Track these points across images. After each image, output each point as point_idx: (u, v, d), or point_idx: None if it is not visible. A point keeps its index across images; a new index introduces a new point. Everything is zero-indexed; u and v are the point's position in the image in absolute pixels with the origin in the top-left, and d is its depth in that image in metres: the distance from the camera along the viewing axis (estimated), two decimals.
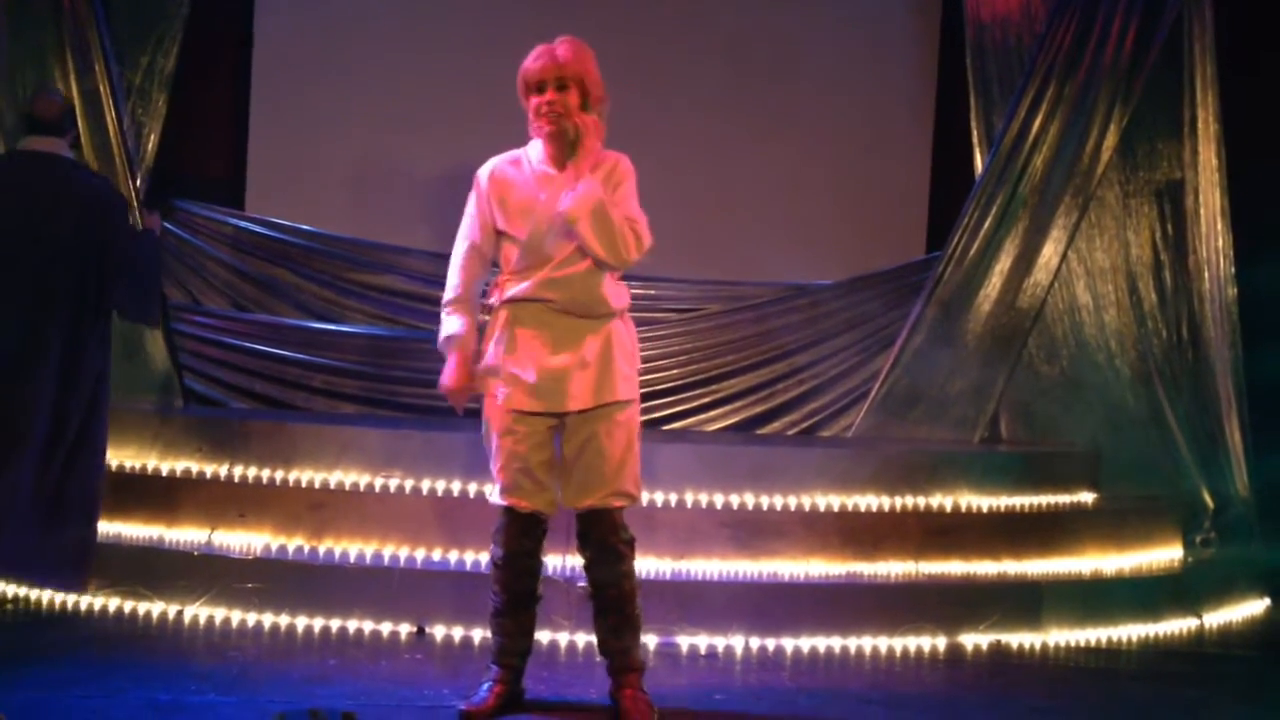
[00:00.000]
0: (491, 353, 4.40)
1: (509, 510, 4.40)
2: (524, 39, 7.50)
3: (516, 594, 4.44)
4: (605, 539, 4.39)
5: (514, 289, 4.36)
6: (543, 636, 5.13)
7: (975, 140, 7.51)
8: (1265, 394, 7.45)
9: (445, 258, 7.37)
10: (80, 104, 6.66)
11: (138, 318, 5.50)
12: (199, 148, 7.60)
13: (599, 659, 4.59)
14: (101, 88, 6.76)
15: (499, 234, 4.42)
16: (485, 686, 4.44)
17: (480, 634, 5.38)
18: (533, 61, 4.33)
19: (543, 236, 4.30)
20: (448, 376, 4.44)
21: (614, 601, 4.42)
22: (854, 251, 7.75)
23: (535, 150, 4.42)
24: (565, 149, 4.32)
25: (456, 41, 7.74)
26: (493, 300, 4.43)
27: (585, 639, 5.31)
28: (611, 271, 4.36)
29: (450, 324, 4.44)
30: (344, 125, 7.67)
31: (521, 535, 4.41)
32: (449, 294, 4.46)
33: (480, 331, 4.50)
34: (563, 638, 5.34)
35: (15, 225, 5.19)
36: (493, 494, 4.46)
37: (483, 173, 4.44)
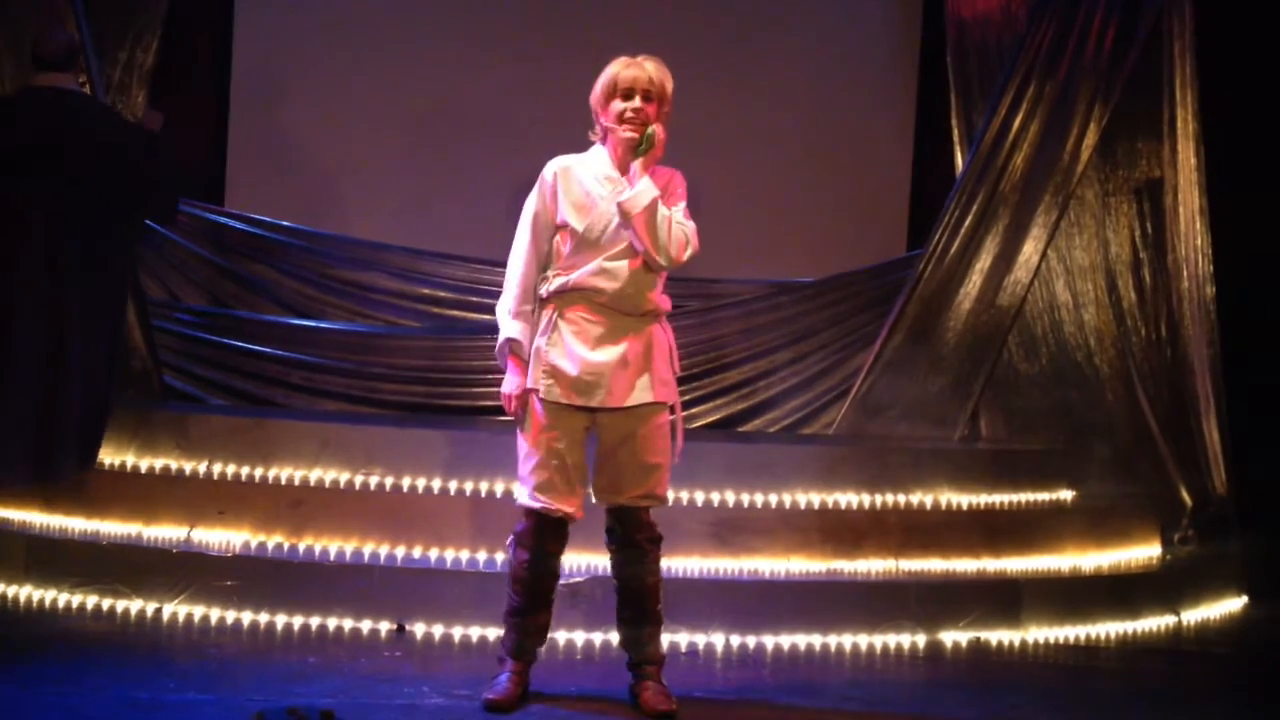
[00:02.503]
0: (534, 345, 4.45)
1: (538, 514, 4.44)
2: (506, 37, 7.52)
3: (537, 595, 4.51)
4: (633, 536, 4.50)
5: (563, 279, 4.43)
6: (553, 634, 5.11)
7: (956, 139, 7.53)
8: (1244, 393, 7.49)
9: (425, 255, 7.53)
10: None
11: (163, 221, 6.49)
12: (178, 142, 7.56)
13: (618, 655, 4.65)
14: (81, 82, 6.72)
15: (557, 228, 4.49)
16: (504, 677, 4.50)
17: (460, 631, 5.38)
18: (625, 69, 4.45)
19: (599, 228, 4.40)
20: (509, 384, 4.48)
21: (637, 596, 4.53)
22: (835, 250, 7.76)
23: (599, 154, 4.53)
24: (632, 155, 4.44)
25: (439, 38, 7.73)
26: (543, 292, 4.48)
27: (584, 637, 5.33)
28: (659, 271, 4.46)
29: (511, 327, 4.47)
30: (324, 121, 7.66)
31: (548, 539, 4.48)
32: (509, 296, 4.49)
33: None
34: (563, 635, 5.33)
35: (30, 154, 5.49)
36: (521, 495, 4.48)
37: (549, 168, 4.54)
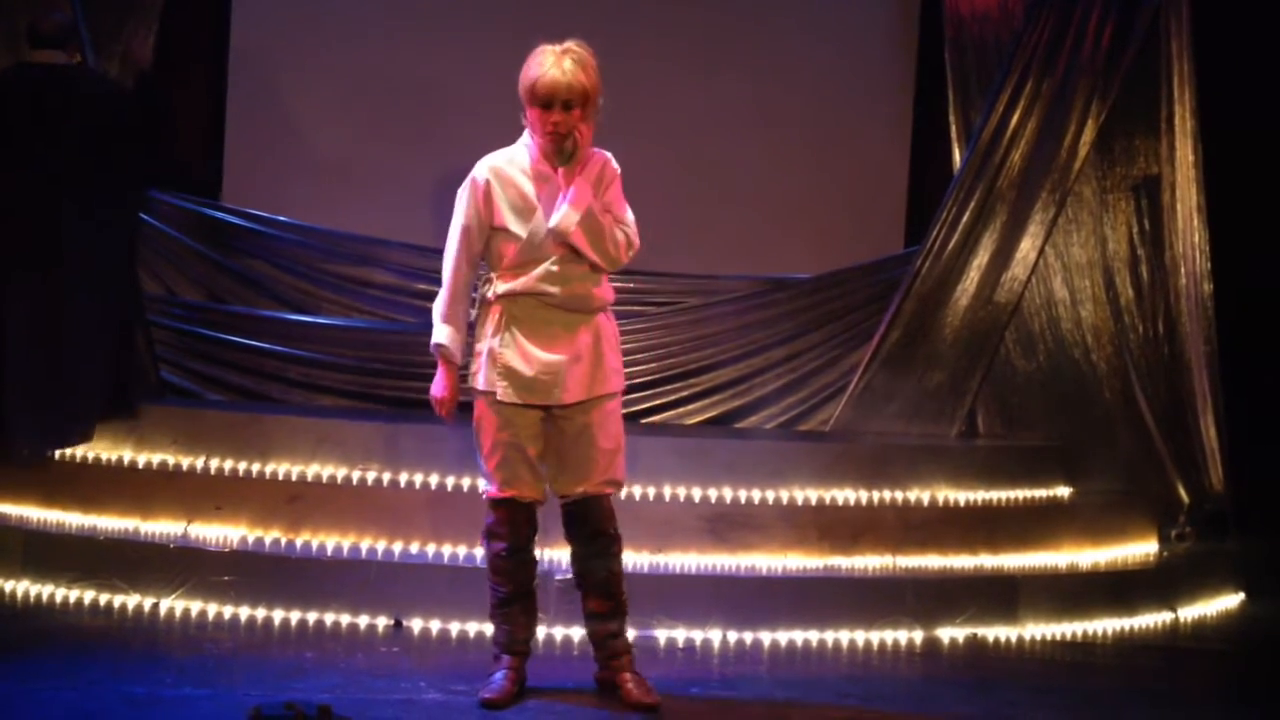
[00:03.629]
0: (486, 347, 4.44)
1: (510, 502, 4.47)
2: (501, 29, 7.51)
3: (520, 583, 4.53)
4: (599, 525, 4.51)
5: (510, 284, 4.42)
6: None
7: (953, 135, 7.51)
8: (1241, 390, 7.50)
9: (423, 250, 7.53)
10: None
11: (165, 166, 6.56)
12: (176, 137, 7.56)
13: (581, 647, 4.71)
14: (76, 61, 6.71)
15: (493, 230, 4.46)
16: (500, 674, 4.49)
17: (458, 627, 5.39)
18: (541, 76, 4.32)
19: (542, 233, 4.38)
20: (438, 387, 4.50)
21: (605, 587, 4.54)
22: (832, 246, 7.75)
23: (528, 148, 4.46)
24: (562, 159, 4.39)
25: (437, 33, 7.72)
26: (488, 294, 4.47)
27: (581, 632, 5.32)
28: (603, 272, 4.47)
29: (440, 331, 4.47)
30: (321, 116, 7.64)
31: (523, 525, 4.51)
32: (443, 300, 4.49)
33: (470, 327, 4.54)
34: (560, 630, 5.34)
35: (26, 130, 5.67)
36: (487, 489, 4.51)
37: (480, 171, 4.48)
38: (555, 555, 5.39)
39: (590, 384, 4.43)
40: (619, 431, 4.52)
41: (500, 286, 4.43)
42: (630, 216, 4.49)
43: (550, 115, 4.32)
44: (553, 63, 4.33)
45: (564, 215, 4.34)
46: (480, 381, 4.45)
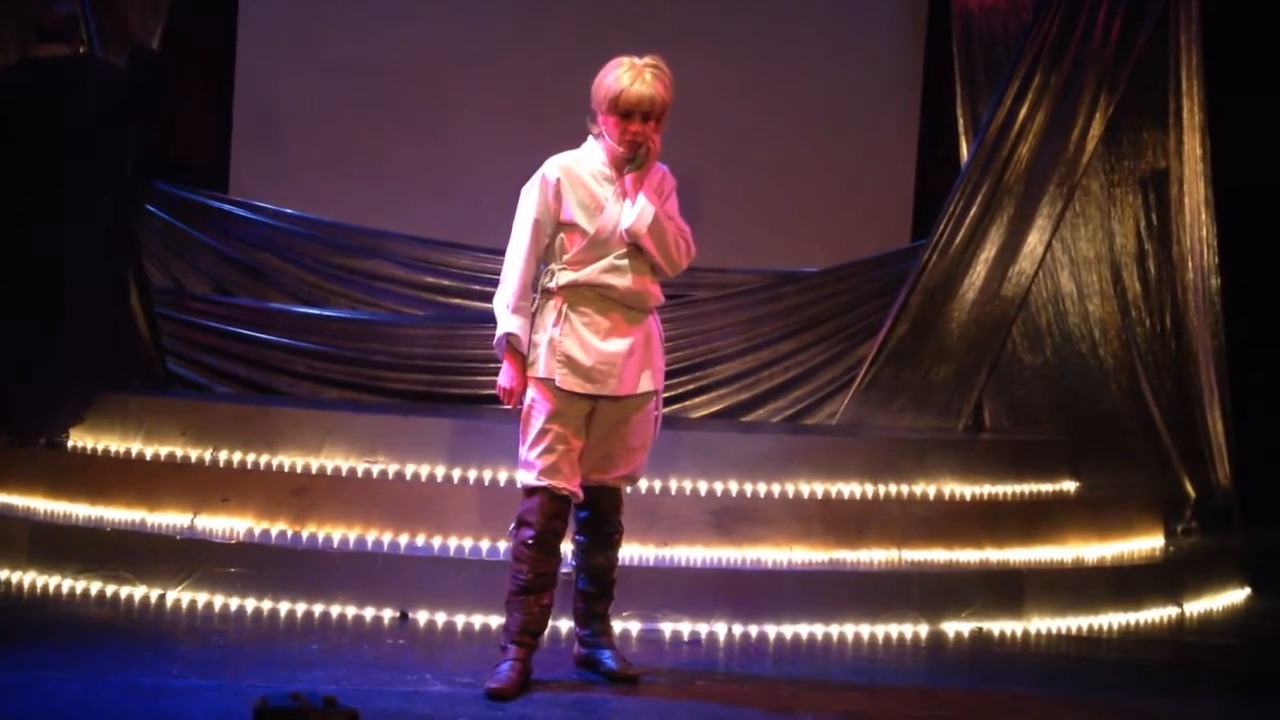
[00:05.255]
0: (546, 337, 4.51)
1: (547, 491, 4.51)
2: (508, 24, 7.51)
3: (542, 574, 4.55)
4: (607, 514, 4.64)
5: (574, 275, 4.51)
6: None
7: (961, 129, 7.51)
8: (1248, 384, 7.49)
9: (430, 243, 7.53)
10: None
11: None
12: (183, 129, 7.57)
13: (568, 634, 4.73)
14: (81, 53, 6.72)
15: (560, 225, 4.55)
16: (506, 665, 4.50)
17: (463, 619, 5.39)
18: (626, 90, 4.46)
19: (609, 229, 4.50)
20: (507, 377, 4.56)
21: (600, 573, 4.69)
22: (839, 240, 7.75)
23: (594, 152, 4.59)
24: (634, 164, 4.53)
25: (443, 24, 7.72)
26: (549, 285, 4.54)
27: (568, 625, 5.31)
28: (665, 276, 4.61)
29: (509, 322, 4.53)
30: (330, 109, 7.65)
31: (555, 516, 4.54)
32: (511, 292, 4.54)
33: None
34: (565, 623, 5.30)
35: (30, 123, 5.82)
36: (527, 477, 4.54)
37: (550, 169, 4.57)
38: (567, 549, 5.39)
39: (641, 379, 4.56)
40: (649, 432, 4.65)
41: (563, 278, 4.52)
42: (686, 225, 4.63)
43: (630, 125, 4.48)
44: (636, 76, 4.48)
45: (639, 215, 4.48)
46: (540, 369, 4.52)
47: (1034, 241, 7.22)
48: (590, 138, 4.61)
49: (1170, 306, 7.40)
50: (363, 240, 7.52)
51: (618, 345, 4.52)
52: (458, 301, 7.44)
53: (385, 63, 7.65)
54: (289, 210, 7.51)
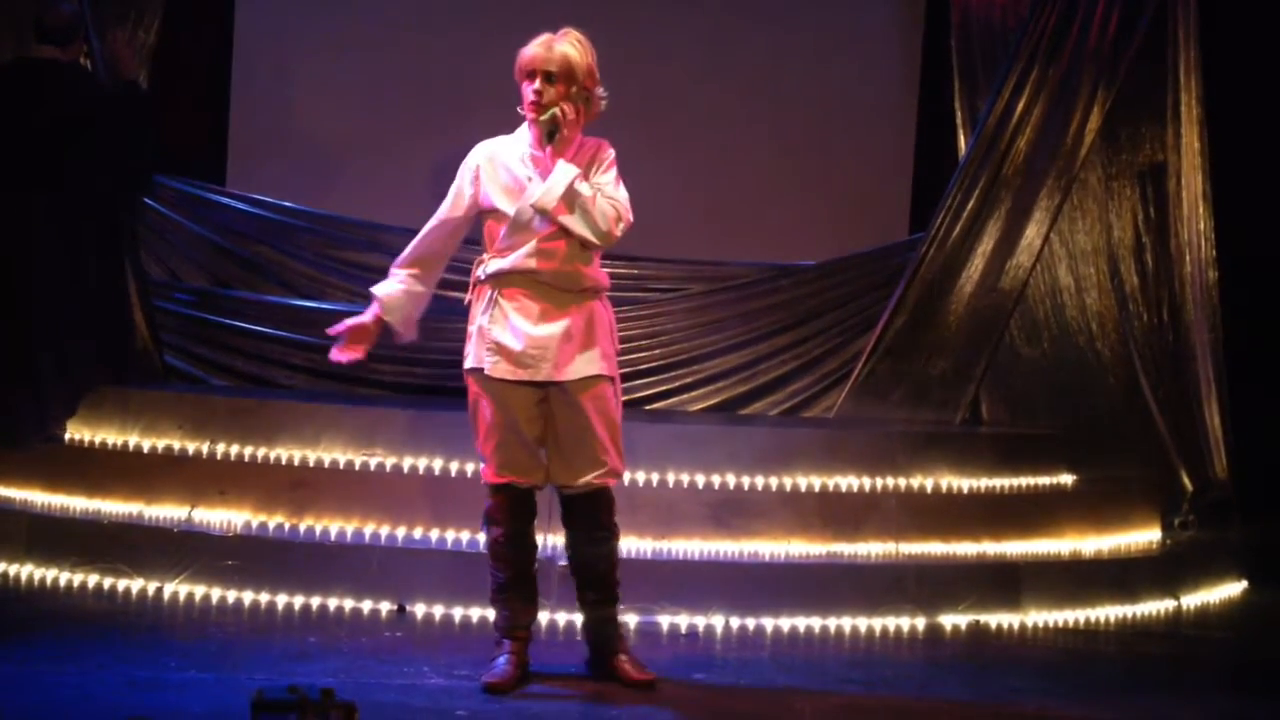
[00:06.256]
0: (476, 326, 4.47)
1: (506, 487, 4.46)
2: (505, 14, 7.51)
3: (519, 568, 4.54)
4: (597, 516, 4.51)
5: (500, 263, 4.45)
6: None
7: (959, 122, 7.51)
8: (1245, 377, 7.49)
9: None
10: None
11: (137, 188, 6.46)
12: (180, 122, 7.56)
13: (580, 636, 4.68)
14: (82, 62, 6.71)
15: (484, 212, 4.51)
16: (502, 659, 4.50)
17: (460, 612, 5.40)
18: (528, 49, 4.46)
19: (529, 214, 4.41)
20: (343, 323, 4.52)
21: (601, 577, 4.55)
22: (837, 233, 7.75)
23: (523, 134, 4.54)
24: (545, 136, 4.44)
25: (442, 17, 7.71)
26: (479, 274, 4.49)
27: (565, 617, 5.32)
28: (594, 249, 4.46)
29: (385, 285, 4.54)
30: (326, 101, 7.64)
31: (519, 511, 4.51)
32: (401, 257, 4.57)
33: (465, 310, 4.56)
34: (563, 616, 5.33)
35: (20, 124, 5.87)
36: (487, 473, 4.51)
37: (474, 152, 4.57)
38: (558, 540, 5.38)
39: (581, 363, 4.41)
40: (615, 419, 4.50)
41: (490, 266, 4.47)
42: (623, 194, 4.47)
43: (532, 84, 4.42)
44: (542, 39, 4.46)
45: (545, 191, 4.37)
46: (470, 359, 4.48)
47: (1032, 234, 7.22)
48: (524, 123, 4.53)
49: (1168, 299, 7.41)
50: (360, 233, 7.51)
51: (550, 329, 4.39)
52: (455, 294, 7.37)
53: (383, 55, 7.64)
54: (286, 203, 7.50)
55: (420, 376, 7.07)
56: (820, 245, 7.64)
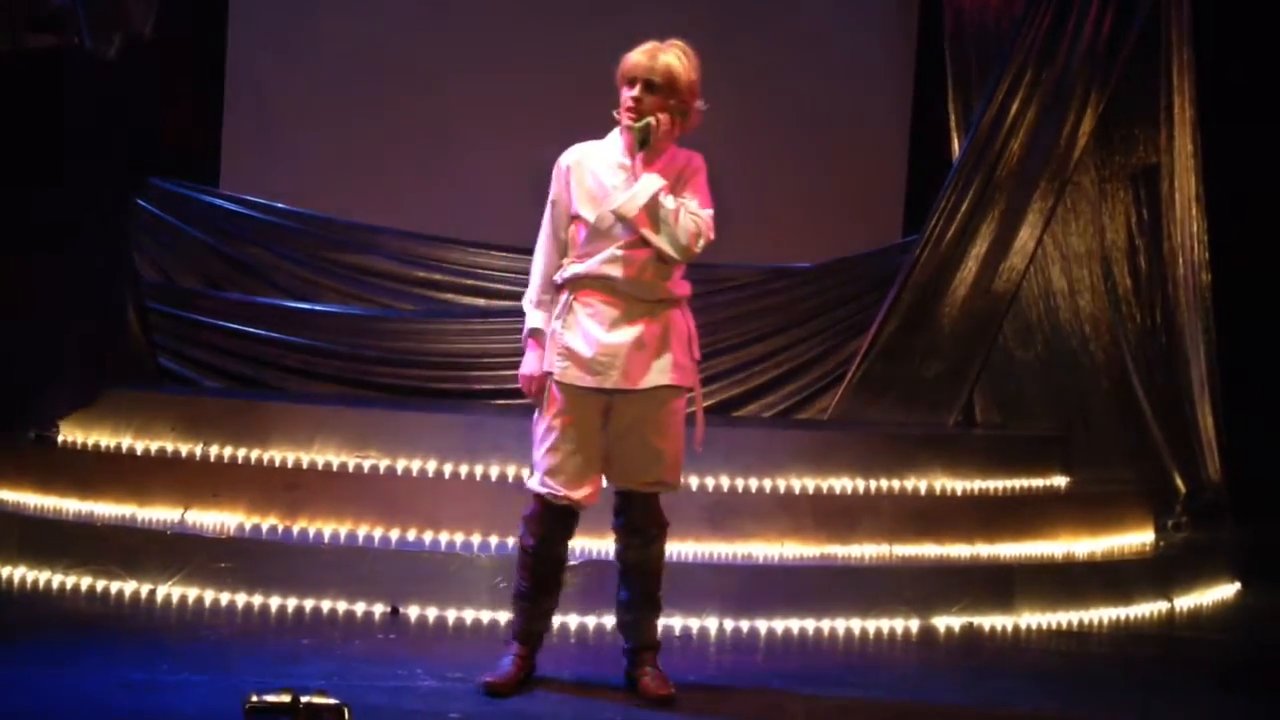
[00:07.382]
0: (549, 330, 4.44)
1: (545, 500, 4.42)
2: (500, 17, 7.48)
3: (541, 580, 4.49)
4: (639, 522, 4.48)
5: (578, 268, 4.41)
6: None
7: (952, 125, 7.52)
8: (1238, 379, 7.50)
9: (421, 238, 7.52)
10: None
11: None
12: (174, 124, 7.56)
13: (613, 639, 4.68)
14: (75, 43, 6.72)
15: (571, 218, 4.46)
16: (507, 660, 4.49)
17: (454, 614, 5.39)
18: (633, 55, 4.41)
19: (609, 220, 4.37)
20: (527, 365, 4.47)
21: (640, 581, 4.51)
22: (831, 235, 7.76)
23: (614, 140, 4.49)
24: (636, 144, 4.39)
25: (435, 19, 7.71)
26: (556, 279, 4.46)
27: (578, 620, 5.33)
28: (671, 263, 4.41)
29: (534, 318, 4.47)
30: (320, 103, 7.65)
31: (553, 525, 4.45)
32: (531, 288, 4.50)
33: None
34: (575, 619, 5.33)
35: (17, 115, 5.85)
36: (532, 480, 4.46)
37: (563, 158, 4.50)
38: (584, 544, 5.39)
39: (652, 374, 4.36)
40: (678, 433, 4.42)
41: (568, 270, 4.42)
42: (708, 210, 4.44)
43: (632, 91, 4.37)
44: (647, 47, 4.42)
45: (628, 198, 4.33)
46: (543, 363, 4.43)
47: (1025, 237, 7.23)
48: (616, 127, 4.48)
49: (1161, 302, 7.42)
50: (354, 235, 7.51)
51: (623, 336, 4.34)
52: (448, 296, 7.44)
53: (376, 56, 7.65)
54: (280, 204, 7.51)
55: (414, 379, 7.07)
56: (814, 248, 7.65)
